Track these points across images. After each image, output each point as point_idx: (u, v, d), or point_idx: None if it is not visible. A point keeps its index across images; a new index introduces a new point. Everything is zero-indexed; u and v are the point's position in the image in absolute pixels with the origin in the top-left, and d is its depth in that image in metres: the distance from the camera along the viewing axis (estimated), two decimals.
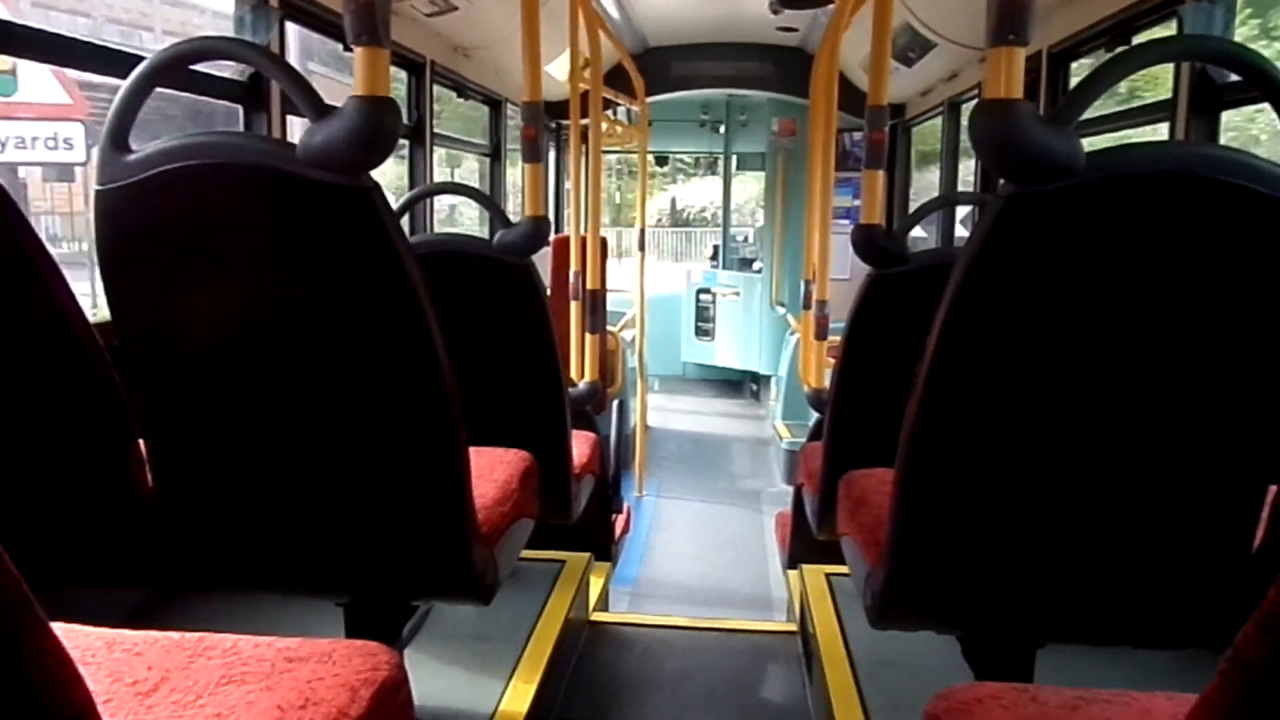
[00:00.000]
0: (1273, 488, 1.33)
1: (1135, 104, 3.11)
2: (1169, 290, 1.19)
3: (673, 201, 19.35)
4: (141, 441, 1.45)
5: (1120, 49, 2.85)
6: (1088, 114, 1.31)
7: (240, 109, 2.78)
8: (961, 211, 5.30)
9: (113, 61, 2.25)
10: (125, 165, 1.30)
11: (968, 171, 4.98)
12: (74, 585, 1.53)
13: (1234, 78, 2.34)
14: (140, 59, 1.39)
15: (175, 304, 1.36)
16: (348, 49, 1.28)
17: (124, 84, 1.35)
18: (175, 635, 1.17)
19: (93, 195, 1.33)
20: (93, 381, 1.35)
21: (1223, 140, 2.51)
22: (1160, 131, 2.77)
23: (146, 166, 1.29)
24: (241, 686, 1.05)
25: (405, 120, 4.06)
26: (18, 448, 1.39)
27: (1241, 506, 1.30)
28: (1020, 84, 1.15)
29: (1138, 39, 2.96)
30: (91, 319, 1.33)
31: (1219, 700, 0.57)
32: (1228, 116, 2.50)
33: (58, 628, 0.61)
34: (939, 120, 5.16)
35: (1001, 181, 1.20)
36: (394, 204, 1.51)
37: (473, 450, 1.52)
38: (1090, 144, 1.16)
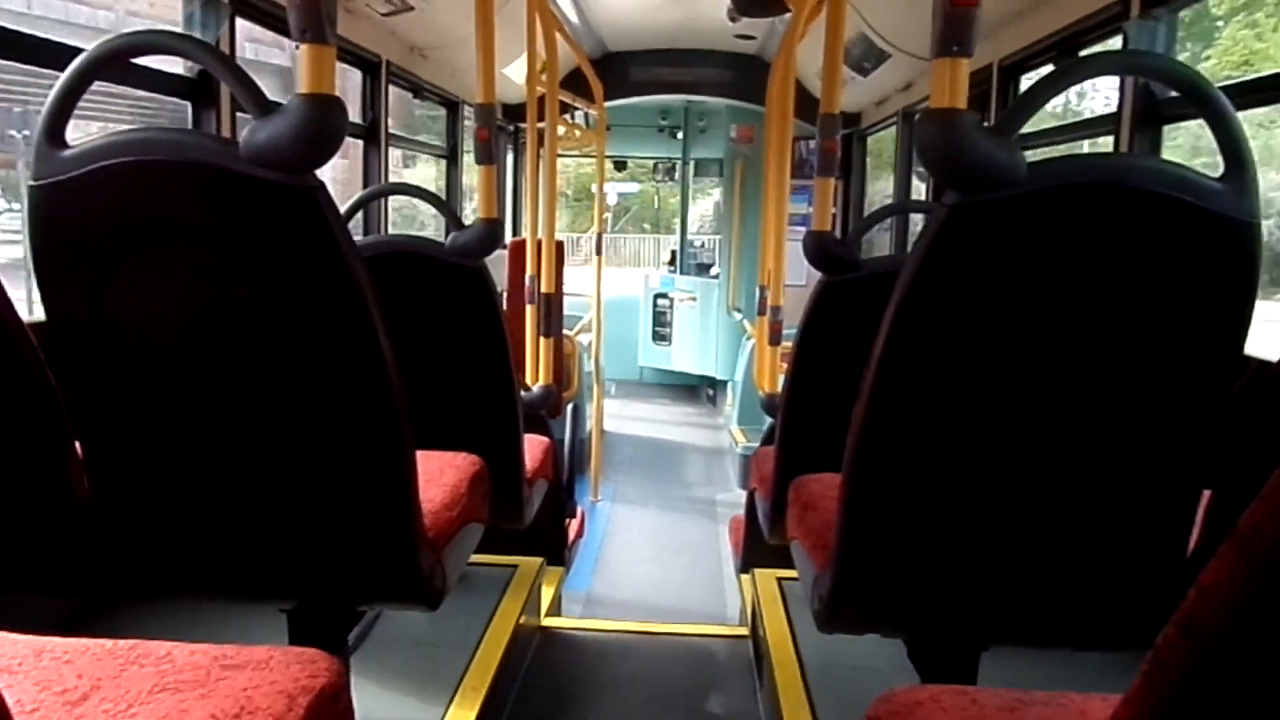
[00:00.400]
0: (1207, 492, 1.36)
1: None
2: (1105, 298, 1.22)
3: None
4: (77, 444, 1.42)
5: (1066, 62, 2.91)
6: (1039, 126, 1.34)
7: (189, 105, 2.73)
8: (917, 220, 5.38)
9: (48, 53, 2.20)
10: (61, 160, 1.27)
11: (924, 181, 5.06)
12: (4, 592, 1.48)
13: (1174, 94, 2.40)
14: (77, 51, 1.36)
15: (112, 303, 1.33)
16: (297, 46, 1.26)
17: (61, 77, 1.32)
18: (108, 643, 1.14)
19: (25, 191, 1.29)
20: (26, 382, 1.31)
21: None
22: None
23: (84, 162, 1.26)
24: (175, 695, 1.03)
25: (360, 120, 4.01)
26: None
27: (1176, 511, 1.34)
28: (964, 94, 1.17)
29: (1085, 53, 3.03)
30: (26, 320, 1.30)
31: (1140, 701, 0.58)
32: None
33: None
34: (894, 130, 5.24)
35: (946, 191, 1.22)
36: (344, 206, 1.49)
37: (421, 454, 1.50)
38: (1044, 156, 1.19)
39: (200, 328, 1.34)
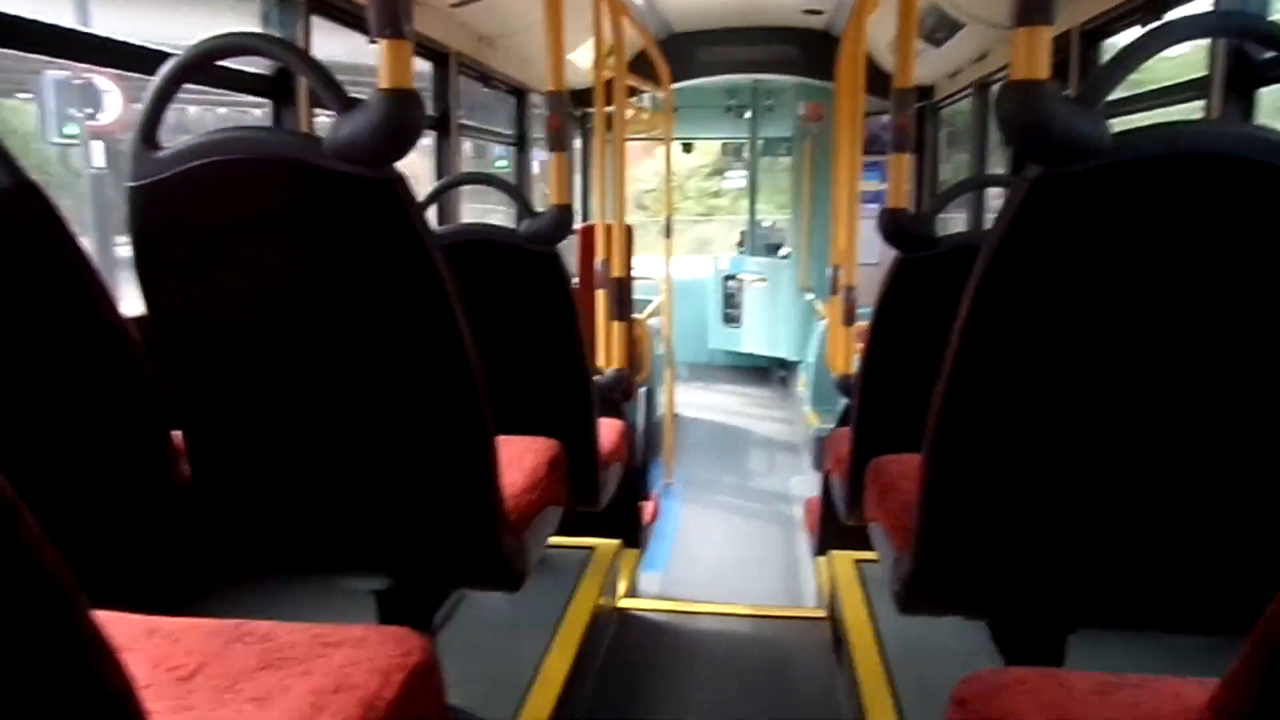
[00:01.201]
0: None
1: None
2: (1199, 273, 1.17)
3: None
4: (178, 432, 1.48)
5: (1152, 25, 2.80)
6: (1120, 94, 1.29)
7: (270, 103, 2.81)
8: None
9: (141, 58, 2.28)
10: (155, 162, 1.32)
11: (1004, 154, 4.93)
12: (114, 575, 1.56)
13: (1270, 54, 2.29)
14: (167, 56, 1.41)
15: (205, 296, 1.38)
16: (373, 42, 1.29)
17: (153, 81, 1.37)
18: (213, 622, 1.19)
19: (125, 193, 1.35)
20: (129, 374, 1.37)
21: None
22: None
23: (176, 163, 1.31)
24: (277, 671, 1.08)
25: (430, 111, 4.07)
26: (57, 441, 1.42)
27: (1275, 491, 1.29)
28: (1046, 64, 1.13)
29: (1171, 15, 2.90)
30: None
31: (1242, 683, 0.57)
32: None
33: (99, 615, 0.63)
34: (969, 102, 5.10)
35: (1028, 164, 1.19)
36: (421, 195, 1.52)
37: (501, 439, 1.53)
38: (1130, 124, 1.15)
39: (289, 318, 1.38)
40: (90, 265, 1.30)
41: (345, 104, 1.26)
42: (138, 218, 1.35)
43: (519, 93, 5.22)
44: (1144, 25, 3.10)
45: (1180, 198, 1.15)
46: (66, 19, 2.15)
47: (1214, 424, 1.25)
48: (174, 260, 1.37)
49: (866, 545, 2.31)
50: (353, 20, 3.05)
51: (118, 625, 1.18)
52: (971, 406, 1.31)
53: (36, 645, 0.57)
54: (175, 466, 1.48)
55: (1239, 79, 2.42)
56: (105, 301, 1.32)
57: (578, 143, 6.71)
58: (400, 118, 1.25)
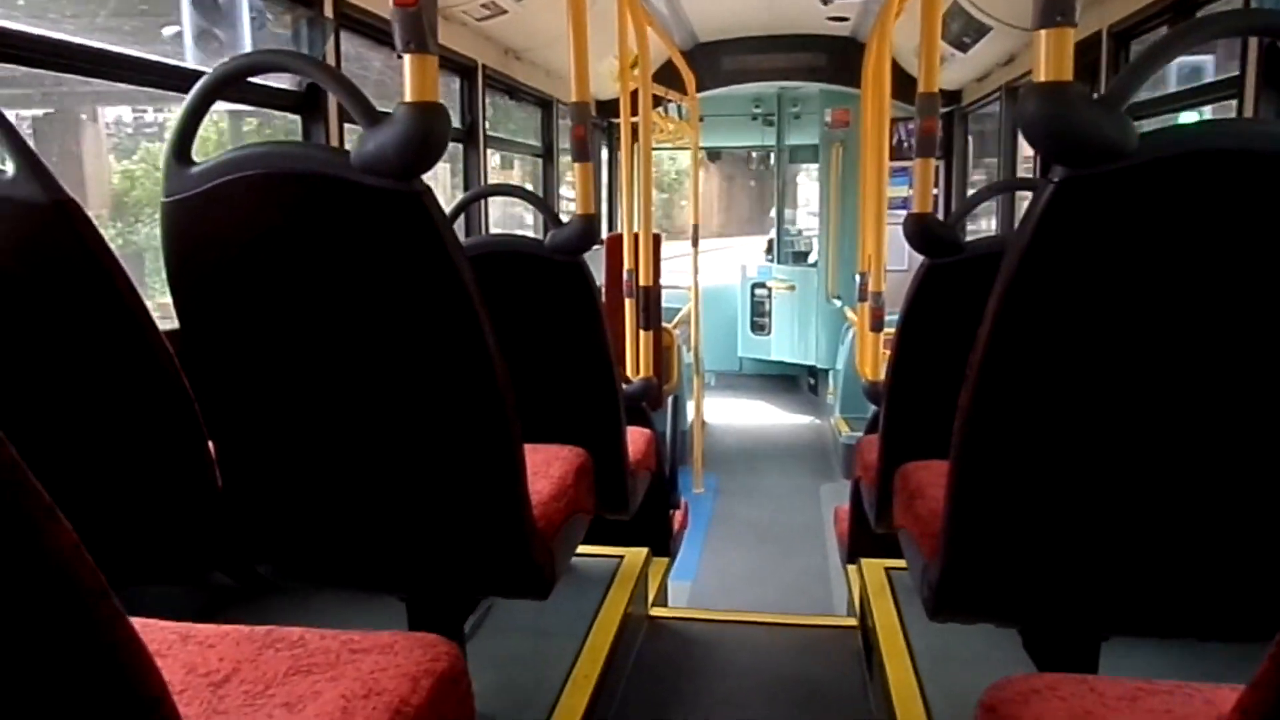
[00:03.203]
0: None
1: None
2: (1230, 273, 1.16)
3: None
4: (211, 444, 1.51)
5: (1180, 24, 2.77)
6: (1150, 95, 1.28)
7: (299, 119, 2.86)
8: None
9: (172, 77, 2.33)
10: (188, 177, 1.35)
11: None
12: (147, 583, 1.59)
13: None
14: (199, 74, 1.44)
15: (237, 310, 1.41)
16: (399, 56, 1.31)
17: (186, 98, 1.40)
18: (244, 629, 1.21)
19: (159, 208, 1.38)
20: (164, 386, 1.40)
21: None
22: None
23: (208, 178, 1.34)
24: (308, 677, 1.09)
25: (458, 124, 4.11)
26: (93, 451, 1.45)
27: None
28: (1069, 65, 1.13)
29: (1201, 14, 2.87)
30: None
31: (1270, 683, 0.56)
32: None
33: (134, 622, 0.64)
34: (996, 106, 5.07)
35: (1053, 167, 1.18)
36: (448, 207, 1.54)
37: (528, 447, 1.54)
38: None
39: (318, 330, 1.40)
40: (126, 279, 1.33)
41: (372, 118, 1.28)
42: (170, 233, 1.38)
43: (545, 104, 5.26)
44: (1172, 26, 3.07)
45: (1209, 196, 1.13)
46: None
47: (1247, 428, 1.23)
48: (206, 274, 1.40)
49: (897, 553, 2.29)
50: (381, 36, 3.10)
51: (151, 632, 1.20)
52: (999, 411, 1.30)
53: (73, 651, 0.59)
54: (209, 477, 1.50)
55: (1272, 78, 2.39)
56: (142, 315, 1.35)
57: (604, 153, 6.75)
58: (426, 130, 1.26)
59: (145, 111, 3.71)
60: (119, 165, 3.78)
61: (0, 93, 2.37)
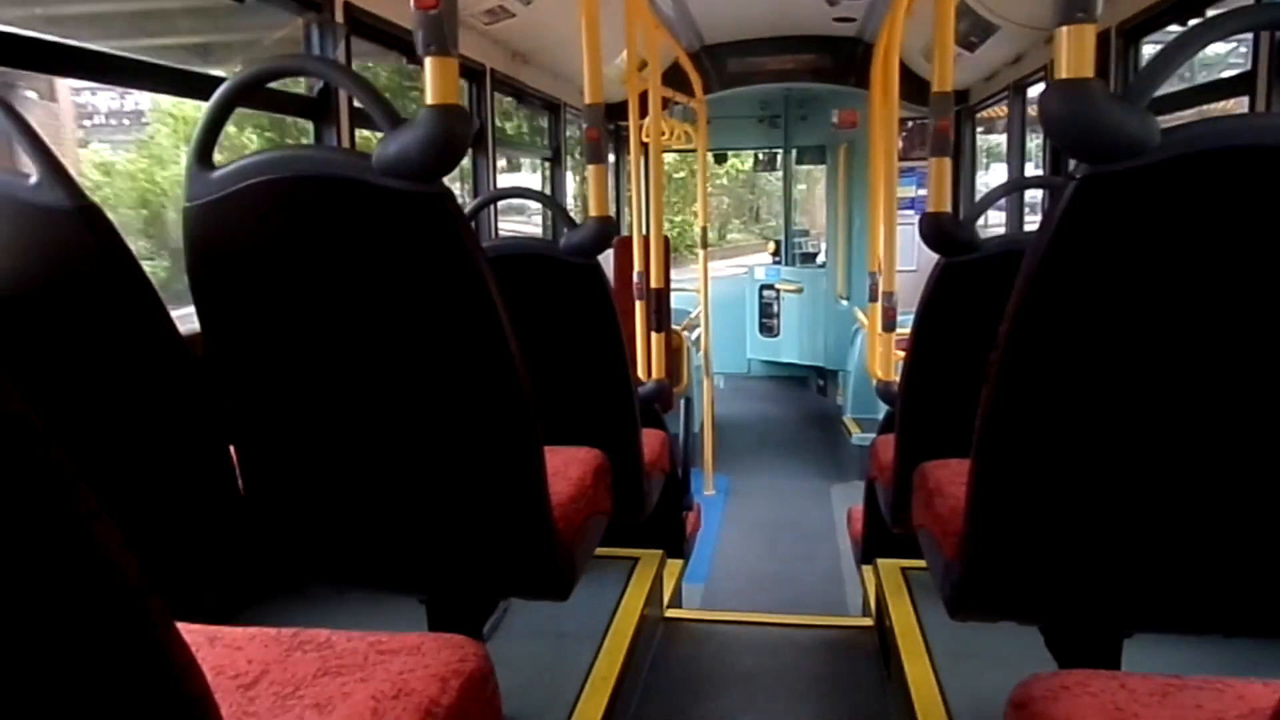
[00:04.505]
0: None
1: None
2: (1254, 270, 1.15)
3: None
4: (232, 448, 1.51)
5: (1194, 21, 2.77)
6: (1162, 91, 1.28)
7: (310, 123, 2.87)
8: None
9: (193, 84, 2.35)
10: (209, 182, 1.36)
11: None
12: (175, 585, 1.60)
13: None
14: (219, 80, 1.45)
15: (259, 314, 1.41)
16: (413, 61, 1.32)
17: (208, 104, 1.41)
18: (272, 630, 1.22)
19: (181, 212, 1.39)
20: (186, 392, 1.41)
21: None
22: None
23: (229, 182, 1.34)
24: (337, 678, 1.09)
25: None
26: (115, 456, 1.46)
27: None
28: (1091, 62, 1.13)
29: (1211, 12, 2.87)
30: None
31: None
32: None
33: None
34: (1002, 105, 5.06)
35: (1074, 163, 1.18)
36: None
37: (547, 449, 1.55)
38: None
39: (340, 333, 1.41)
40: (149, 284, 1.34)
41: (394, 121, 1.29)
42: (192, 237, 1.39)
43: (553, 107, 5.27)
44: (1183, 23, 3.06)
45: (1234, 192, 1.13)
46: None
47: (1272, 425, 1.23)
48: (228, 279, 1.40)
49: (911, 553, 2.29)
50: (390, 41, 3.11)
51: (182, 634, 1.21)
52: (1020, 409, 1.30)
53: (122, 647, 0.59)
54: (231, 481, 1.51)
55: None
56: (164, 320, 1.36)
57: (612, 156, 6.76)
58: (448, 132, 1.27)
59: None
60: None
61: None
